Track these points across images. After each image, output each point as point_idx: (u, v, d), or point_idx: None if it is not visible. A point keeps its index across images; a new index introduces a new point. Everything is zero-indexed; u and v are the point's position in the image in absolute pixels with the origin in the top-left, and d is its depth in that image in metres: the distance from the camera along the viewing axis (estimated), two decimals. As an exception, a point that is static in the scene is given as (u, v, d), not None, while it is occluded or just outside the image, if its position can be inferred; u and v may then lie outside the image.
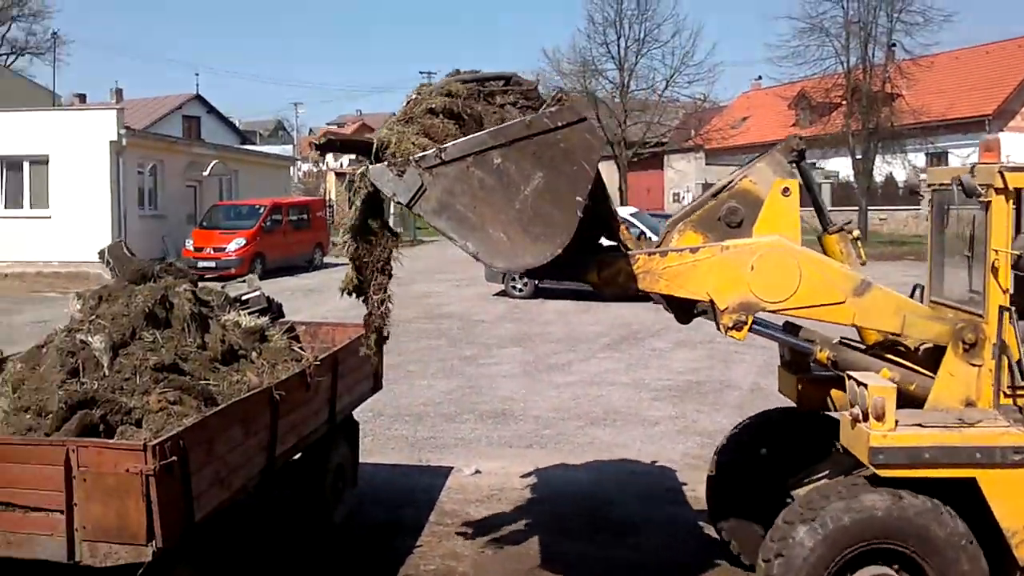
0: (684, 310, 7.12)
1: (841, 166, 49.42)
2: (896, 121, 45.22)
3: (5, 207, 30.26)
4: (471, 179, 5.75)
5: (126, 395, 6.09)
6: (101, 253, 7.80)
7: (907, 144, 45.76)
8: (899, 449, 6.09)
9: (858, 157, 45.01)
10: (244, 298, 8.77)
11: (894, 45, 46.17)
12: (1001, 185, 6.26)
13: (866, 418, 6.14)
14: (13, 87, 45.42)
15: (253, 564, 7.79)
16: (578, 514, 9.38)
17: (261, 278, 26.40)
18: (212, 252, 30.21)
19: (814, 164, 37.06)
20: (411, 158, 5.74)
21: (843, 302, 6.48)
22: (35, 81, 54.98)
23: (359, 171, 6.16)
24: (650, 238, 7.99)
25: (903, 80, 45.37)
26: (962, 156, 41.93)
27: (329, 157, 53.81)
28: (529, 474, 10.71)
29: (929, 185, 7.00)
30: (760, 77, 66.66)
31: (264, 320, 8.35)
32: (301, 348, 8.89)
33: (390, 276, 6.45)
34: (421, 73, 72.95)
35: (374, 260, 6.37)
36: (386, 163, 5.82)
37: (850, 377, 6.47)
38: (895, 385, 6.30)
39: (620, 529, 9.00)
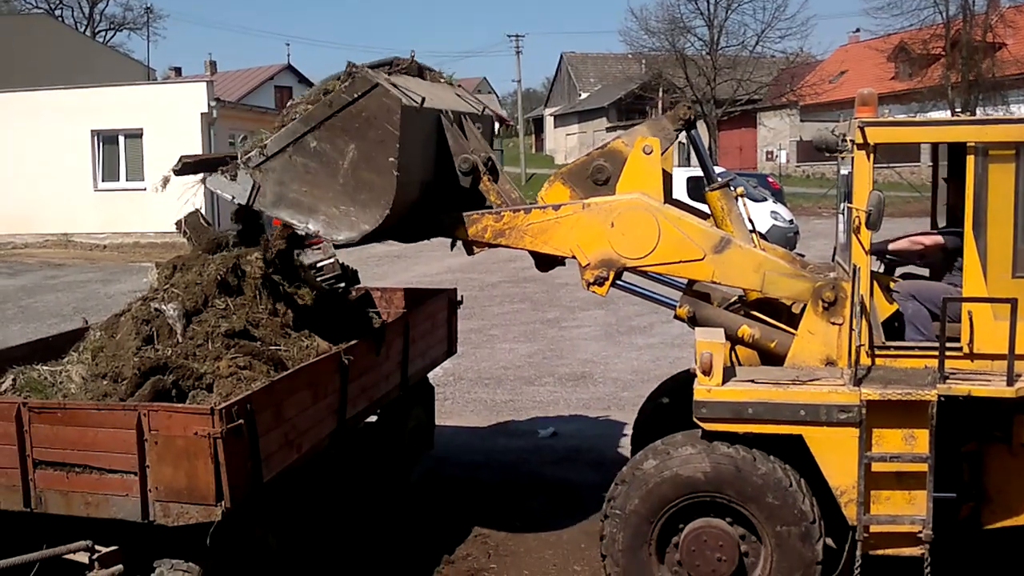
0: (545, 261, 7.26)
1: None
2: (998, 72, 43.60)
3: (103, 180, 31.07)
4: (296, 166, 6.22)
5: (198, 361, 6.26)
6: (178, 223, 7.99)
7: (1010, 95, 44.04)
8: (722, 404, 6.06)
9: (958, 110, 43.54)
10: (319, 265, 8.92)
11: (998, -8, 44.54)
12: (861, 140, 6.09)
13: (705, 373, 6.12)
14: (110, 62, 46.54)
15: (332, 521, 8.01)
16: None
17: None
18: (301, 220, 30.64)
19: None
20: (238, 161, 6.21)
21: (702, 259, 6.52)
22: (131, 56, 56.34)
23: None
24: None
25: (1006, 29, 43.67)
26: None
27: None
28: (605, 436, 10.74)
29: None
30: (858, 30, 64.76)
31: (338, 286, 8.50)
32: (376, 313, 9.04)
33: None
34: (509, 37, 72.81)
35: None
36: (219, 171, 6.33)
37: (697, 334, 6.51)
38: (724, 341, 6.27)
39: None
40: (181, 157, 6.63)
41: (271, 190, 6.28)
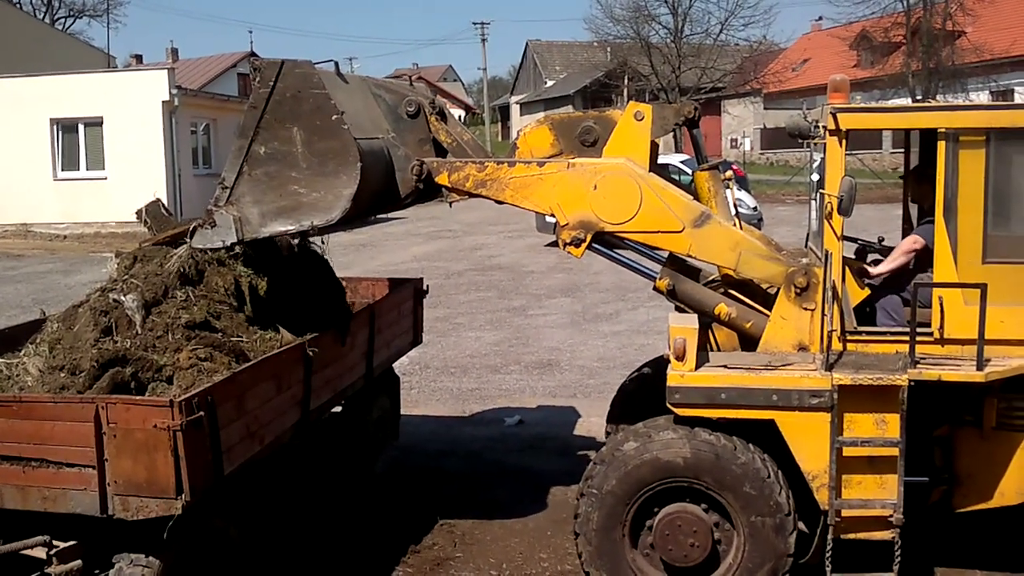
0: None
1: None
2: (957, 59, 44.05)
3: (62, 169, 30.54)
4: (260, 180, 6.17)
5: (158, 353, 6.17)
6: (139, 212, 7.88)
7: (969, 83, 44.50)
8: (695, 389, 6.07)
9: (919, 97, 43.94)
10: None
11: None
12: (833, 126, 6.11)
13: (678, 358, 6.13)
14: (69, 50, 45.63)
15: (296, 512, 7.95)
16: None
17: (316, 234, 26.62)
18: (265, 209, 30.42)
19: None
20: (208, 208, 6.17)
21: (680, 231, 6.49)
22: (91, 43, 55.46)
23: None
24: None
25: (966, 17, 44.11)
26: (1026, 93, 40.71)
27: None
28: (571, 424, 10.74)
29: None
30: (820, 18, 65.35)
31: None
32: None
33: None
34: (474, 24, 72.61)
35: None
36: (197, 225, 6.31)
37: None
38: (696, 326, 6.26)
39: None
40: (142, 241, 6.81)
41: (252, 213, 6.20)
